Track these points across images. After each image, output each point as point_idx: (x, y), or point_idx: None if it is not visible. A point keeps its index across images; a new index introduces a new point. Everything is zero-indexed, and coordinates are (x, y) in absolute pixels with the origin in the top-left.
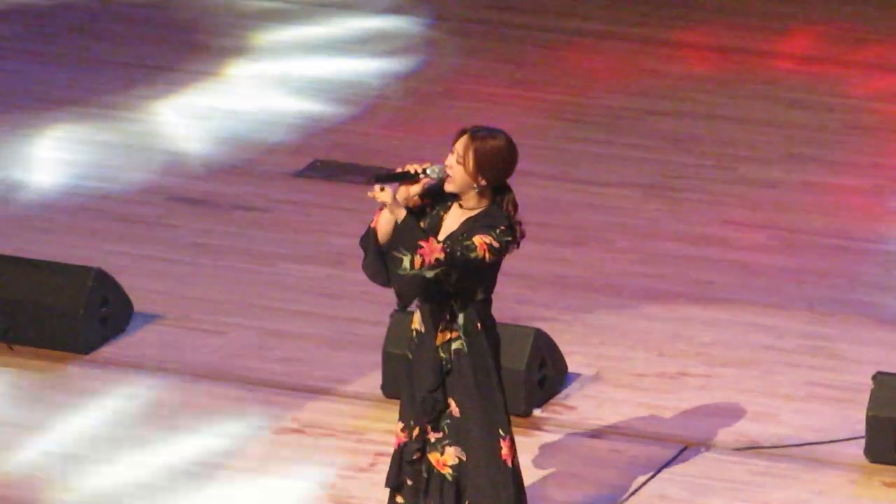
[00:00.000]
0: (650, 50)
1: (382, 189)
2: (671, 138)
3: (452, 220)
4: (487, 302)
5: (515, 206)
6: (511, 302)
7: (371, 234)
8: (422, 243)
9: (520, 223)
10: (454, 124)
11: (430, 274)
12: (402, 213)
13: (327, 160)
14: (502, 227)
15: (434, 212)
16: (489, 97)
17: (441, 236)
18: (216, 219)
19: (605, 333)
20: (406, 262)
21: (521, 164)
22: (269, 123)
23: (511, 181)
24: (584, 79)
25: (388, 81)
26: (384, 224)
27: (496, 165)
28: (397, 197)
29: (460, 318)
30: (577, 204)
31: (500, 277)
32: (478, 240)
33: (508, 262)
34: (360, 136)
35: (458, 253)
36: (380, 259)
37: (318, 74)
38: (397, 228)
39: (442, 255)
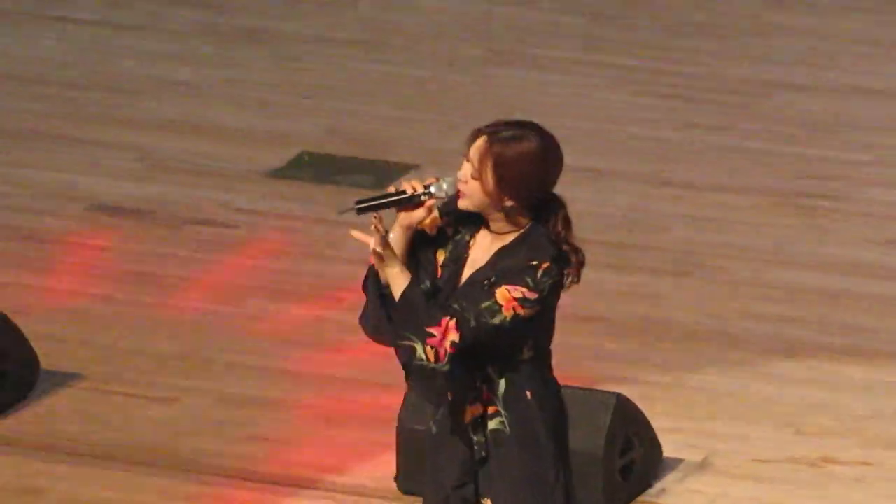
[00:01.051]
0: None
1: (376, 226)
2: (810, 123)
3: (481, 249)
4: (541, 359)
5: (568, 224)
6: (582, 355)
7: (371, 273)
8: (430, 329)
9: (577, 249)
10: (498, 104)
11: (447, 368)
12: (396, 272)
13: (318, 153)
14: (544, 265)
15: (459, 236)
16: (550, 63)
17: (466, 275)
18: (159, 238)
19: (716, 401)
20: (420, 352)
21: (595, 160)
22: (237, 99)
23: (566, 183)
24: (685, 37)
25: (408, 41)
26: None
27: (526, 179)
28: (397, 226)
29: (500, 386)
30: (675, 216)
31: (565, 320)
32: (502, 295)
33: (577, 300)
34: (365, 119)
35: (478, 322)
36: (383, 308)
37: (300, 30)
38: (396, 302)
39: (458, 337)
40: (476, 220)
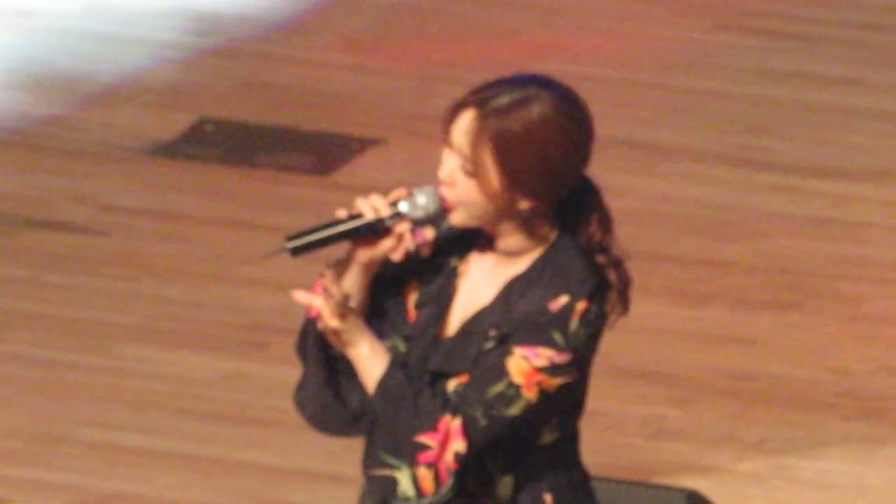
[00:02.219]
0: None
1: (327, 289)
2: None
3: (480, 280)
4: (567, 443)
5: (608, 222)
6: (634, 431)
7: (310, 332)
8: (423, 438)
9: (618, 262)
10: (503, 47)
11: (450, 493)
12: (364, 352)
13: (227, 120)
14: (580, 306)
15: (441, 260)
16: None
17: (455, 321)
18: None
19: (843, 500)
20: (405, 485)
21: (647, 131)
22: (102, 38)
23: (599, 167)
24: None
25: None
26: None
27: (546, 163)
28: (353, 265)
29: (504, 486)
30: (775, 217)
31: (604, 376)
32: (517, 368)
33: (624, 345)
34: (299, 69)
35: (490, 420)
36: (331, 384)
37: None
38: (371, 397)
39: (464, 447)
40: (467, 235)
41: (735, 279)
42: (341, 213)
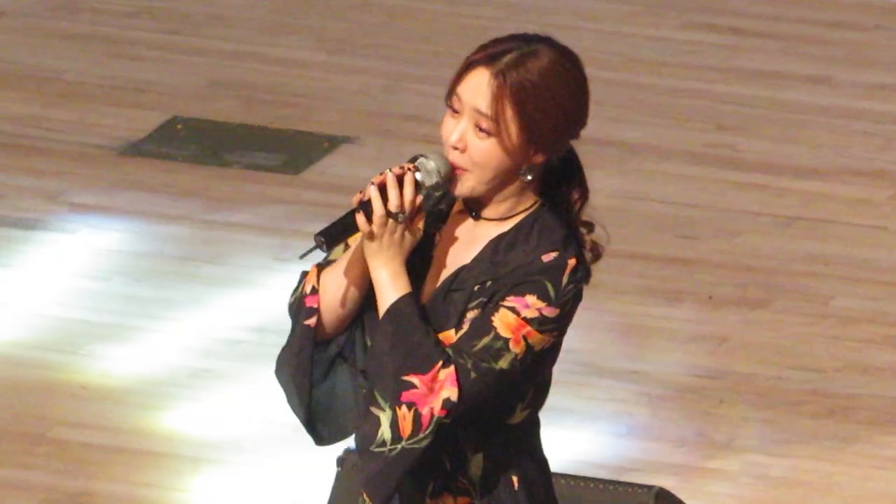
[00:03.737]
0: None
1: (408, 168)
2: None
3: (458, 246)
4: (534, 423)
5: (585, 189)
6: (602, 428)
7: (300, 310)
8: (411, 377)
9: (590, 225)
10: (452, 49)
11: (427, 442)
12: (383, 275)
13: (198, 119)
14: (570, 261)
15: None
16: None
17: (431, 285)
18: None
19: (810, 499)
20: (384, 428)
21: (623, 129)
22: (72, 35)
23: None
24: None
25: None
26: (355, 280)
27: (563, 112)
28: (390, 207)
29: (475, 465)
30: (745, 215)
31: (570, 372)
32: (503, 321)
33: (593, 340)
34: (269, 67)
35: (478, 371)
36: (308, 363)
37: None
38: (379, 321)
39: (455, 394)
40: (438, 206)
41: (704, 277)
42: (359, 196)
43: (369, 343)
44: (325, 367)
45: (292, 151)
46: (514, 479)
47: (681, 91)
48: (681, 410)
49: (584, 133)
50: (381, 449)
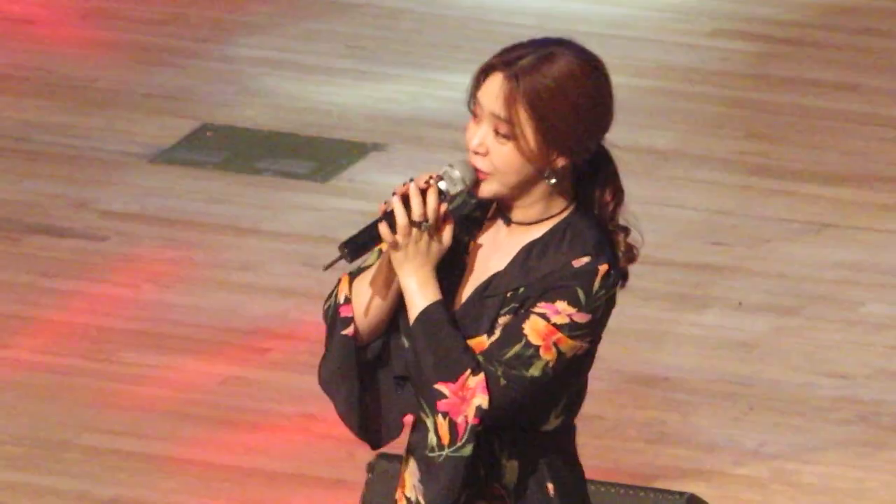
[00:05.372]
0: None
1: (432, 179)
2: None
3: (492, 249)
4: (569, 430)
5: (619, 189)
6: (633, 434)
7: (336, 320)
8: (440, 385)
9: (626, 230)
10: (482, 57)
11: (468, 452)
12: (411, 284)
13: (228, 126)
14: (602, 267)
15: (453, 242)
16: None
17: (467, 291)
18: None
19: None
20: (431, 433)
21: (649, 135)
22: (103, 43)
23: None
24: None
25: None
26: (381, 289)
27: (581, 115)
28: (413, 217)
29: (510, 472)
30: (774, 221)
31: (602, 379)
32: (533, 328)
33: (623, 347)
34: (298, 75)
35: (509, 379)
36: (354, 371)
37: None
38: (410, 327)
39: (486, 402)
40: (474, 212)
41: (734, 284)
42: (383, 206)
43: (406, 344)
44: (366, 372)
45: (322, 158)
46: (550, 486)
47: (711, 98)
48: (711, 417)
49: (615, 139)
50: (432, 454)
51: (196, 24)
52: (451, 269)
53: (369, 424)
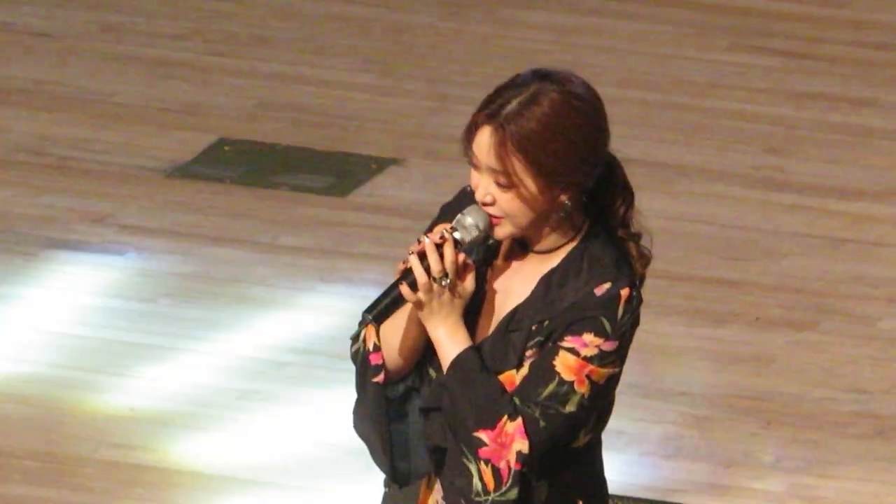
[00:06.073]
0: None
1: (447, 231)
2: None
3: (511, 284)
4: (596, 449)
5: (630, 195)
6: (650, 450)
7: (366, 367)
8: (480, 433)
9: (636, 235)
10: (514, 62)
11: (514, 494)
12: (440, 335)
13: (245, 141)
14: (624, 292)
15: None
16: (592, 2)
17: (487, 325)
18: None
19: None
20: (476, 479)
21: (665, 150)
22: (119, 58)
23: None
24: None
25: None
26: (413, 332)
27: (575, 150)
28: (433, 274)
29: (540, 492)
30: (791, 236)
31: (620, 392)
32: (564, 364)
33: (639, 362)
34: (315, 89)
35: (548, 420)
36: (385, 418)
37: None
38: (444, 377)
39: (526, 445)
40: (488, 241)
41: (751, 299)
42: (401, 265)
43: (433, 375)
44: (398, 406)
45: (339, 173)
46: (580, 502)
47: (729, 113)
48: (728, 432)
49: (631, 155)
50: (479, 499)
51: (213, 38)
52: (471, 301)
53: (399, 458)
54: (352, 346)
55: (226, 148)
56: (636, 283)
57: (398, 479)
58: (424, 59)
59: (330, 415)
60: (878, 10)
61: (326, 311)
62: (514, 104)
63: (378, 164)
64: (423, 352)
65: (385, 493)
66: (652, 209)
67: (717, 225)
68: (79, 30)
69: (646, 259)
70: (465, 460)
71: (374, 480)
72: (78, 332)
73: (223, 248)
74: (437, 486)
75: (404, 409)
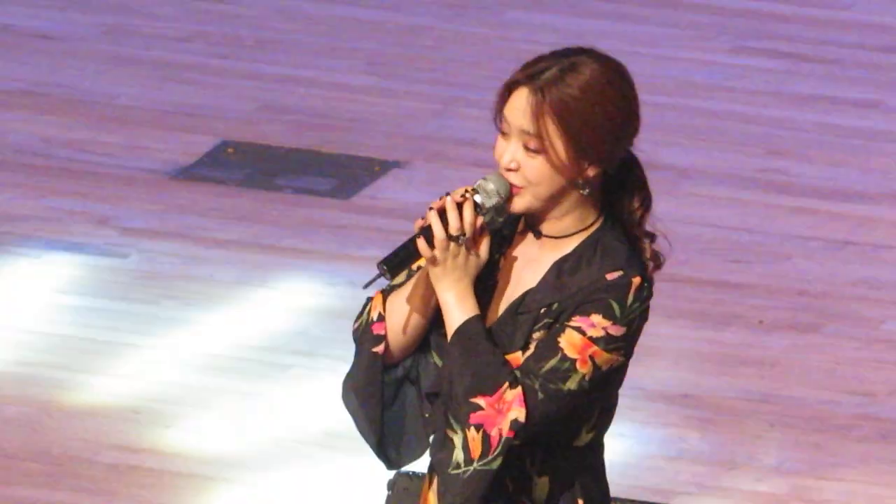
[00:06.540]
0: None
1: (467, 192)
2: None
3: (523, 270)
4: (598, 449)
5: (647, 195)
6: (651, 451)
7: (366, 337)
8: (478, 398)
9: (651, 235)
10: (504, 74)
11: (497, 464)
12: (449, 298)
13: (248, 143)
14: (635, 280)
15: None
16: (600, 6)
17: (499, 307)
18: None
19: None
20: (458, 451)
21: (671, 153)
22: (122, 59)
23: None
24: None
25: None
26: (419, 307)
27: (610, 122)
28: (450, 231)
29: (540, 488)
30: (795, 239)
31: (623, 394)
32: (569, 341)
33: (642, 364)
34: (318, 91)
35: (546, 393)
36: (378, 389)
37: None
38: (448, 343)
39: (523, 414)
40: (504, 228)
41: (754, 301)
42: (420, 222)
43: (438, 363)
44: (392, 390)
45: (343, 175)
46: (580, 502)
47: (732, 115)
48: (731, 434)
49: (637, 156)
50: (456, 471)
51: (216, 40)
52: (482, 285)
53: (389, 444)
54: (354, 322)
55: (229, 150)
56: (647, 277)
57: (384, 459)
58: (428, 62)
59: (334, 417)
60: (883, 12)
61: (330, 313)
62: (554, 69)
63: (381, 167)
64: (425, 339)
65: (388, 495)
66: (655, 211)
67: (720, 227)
68: (82, 32)
69: (658, 261)
70: (449, 431)
71: (378, 484)
72: (80, 333)
73: (226, 250)
74: (438, 486)
75: (395, 396)
